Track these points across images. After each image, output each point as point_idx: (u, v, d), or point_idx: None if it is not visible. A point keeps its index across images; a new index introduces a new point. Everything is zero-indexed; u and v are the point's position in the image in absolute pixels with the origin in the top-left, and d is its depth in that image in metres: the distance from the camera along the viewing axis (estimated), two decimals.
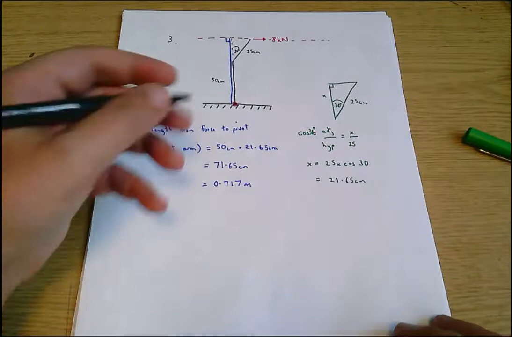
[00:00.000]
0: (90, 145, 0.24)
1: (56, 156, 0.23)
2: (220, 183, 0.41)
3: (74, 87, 0.27)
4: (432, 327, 0.35)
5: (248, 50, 0.49)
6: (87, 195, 0.26)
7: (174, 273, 0.37)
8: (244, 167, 0.42)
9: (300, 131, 0.44)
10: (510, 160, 0.44)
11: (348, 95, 0.47)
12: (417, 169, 0.43)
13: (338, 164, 0.43)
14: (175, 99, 0.29)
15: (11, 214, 0.22)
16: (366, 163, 0.43)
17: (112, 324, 0.35)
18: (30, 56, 0.49)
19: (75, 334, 0.35)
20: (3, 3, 0.51)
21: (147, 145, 0.32)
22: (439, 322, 0.36)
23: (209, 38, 0.49)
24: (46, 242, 0.26)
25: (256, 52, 0.49)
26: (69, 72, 0.26)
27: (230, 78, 0.47)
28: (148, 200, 0.33)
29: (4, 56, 0.48)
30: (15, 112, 0.24)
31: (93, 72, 0.28)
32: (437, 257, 0.39)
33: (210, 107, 0.45)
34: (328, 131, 0.45)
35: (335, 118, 0.45)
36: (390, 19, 0.52)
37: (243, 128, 0.44)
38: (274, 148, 0.43)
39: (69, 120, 0.25)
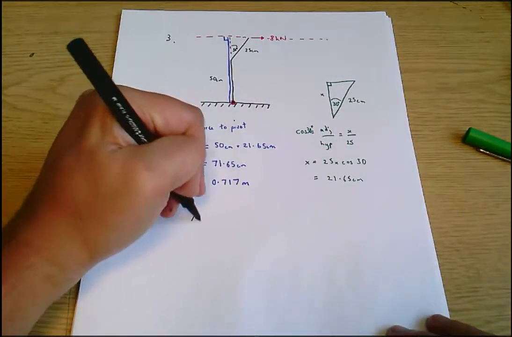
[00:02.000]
0: (167, 165, 0.30)
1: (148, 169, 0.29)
2: (218, 182, 0.41)
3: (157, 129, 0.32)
4: (427, 332, 0.35)
5: (246, 49, 0.49)
6: (165, 203, 0.32)
7: (173, 272, 0.37)
8: (242, 165, 0.42)
9: (298, 130, 0.44)
10: (510, 160, 0.44)
11: (346, 94, 0.47)
12: (416, 168, 0.43)
13: (336, 163, 0.43)
14: None
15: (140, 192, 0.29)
16: (364, 162, 0.43)
17: (112, 324, 0.35)
18: (30, 56, 0.49)
19: (75, 334, 0.35)
20: (3, 3, 0.52)
21: None
22: (434, 322, 0.35)
23: (207, 36, 0.49)
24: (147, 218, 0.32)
25: (255, 51, 0.49)
26: (170, 125, 0.32)
27: (228, 76, 0.47)
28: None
29: (4, 56, 0.49)
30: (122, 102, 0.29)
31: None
32: (436, 257, 0.39)
33: (208, 105, 0.45)
34: (326, 129, 0.44)
35: (333, 116, 0.45)
36: (390, 19, 0.52)
37: (241, 127, 0.44)
38: (272, 147, 0.43)
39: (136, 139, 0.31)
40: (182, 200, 0.37)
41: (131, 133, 0.30)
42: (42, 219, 0.29)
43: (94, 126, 0.29)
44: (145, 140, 0.31)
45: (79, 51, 0.27)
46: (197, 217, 0.39)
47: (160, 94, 0.32)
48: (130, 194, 0.29)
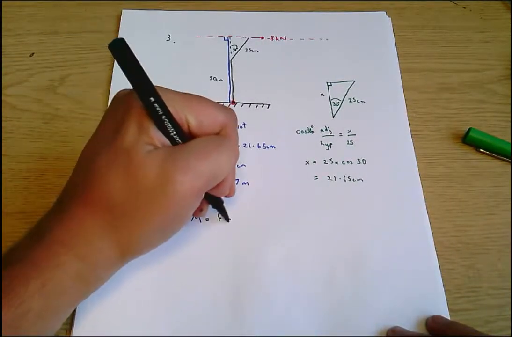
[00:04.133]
0: (203, 165, 0.30)
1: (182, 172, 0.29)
2: None
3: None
4: (426, 335, 0.35)
5: (246, 49, 0.49)
6: (199, 203, 0.32)
7: (173, 272, 0.37)
8: (242, 165, 0.42)
9: (298, 130, 0.44)
10: (510, 160, 0.44)
11: (346, 94, 0.47)
12: (417, 168, 0.43)
13: (336, 163, 0.43)
14: None
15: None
16: (364, 162, 0.43)
17: (112, 324, 0.35)
18: (30, 56, 0.49)
19: (75, 334, 0.34)
20: (3, 3, 0.52)
21: None
22: (433, 323, 0.35)
23: (207, 36, 0.49)
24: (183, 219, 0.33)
25: (255, 51, 0.49)
26: (204, 126, 0.32)
27: (228, 76, 0.47)
28: None
29: (4, 56, 0.49)
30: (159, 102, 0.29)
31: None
32: (436, 257, 0.39)
33: None
34: (326, 129, 0.44)
35: (333, 116, 0.45)
36: (390, 19, 0.52)
37: (241, 127, 0.44)
38: (272, 147, 0.43)
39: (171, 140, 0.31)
40: (212, 200, 0.37)
41: (167, 134, 0.30)
42: (75, 218, 0.30)
43: (130, 126, 0.29)
44: (180, 141, 0.31)
45: (120, 50, 0.28)
46: (226, 218, 0.39)
47: (194, 95, 0.32)
48: (166, 194, 0.29)
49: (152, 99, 0.29)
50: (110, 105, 0.33)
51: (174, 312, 0.36)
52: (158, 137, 0.30)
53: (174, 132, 0.30)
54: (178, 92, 0.31)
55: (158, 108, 0.29)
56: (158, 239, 0.33)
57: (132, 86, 0.29)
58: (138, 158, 0.29)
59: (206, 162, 0.30)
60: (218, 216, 0.39)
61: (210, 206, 0.38)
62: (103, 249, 0.30)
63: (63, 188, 0.32)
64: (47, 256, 0.28)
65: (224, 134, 0.33)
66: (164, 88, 0.31)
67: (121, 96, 0.32)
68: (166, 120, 0.29)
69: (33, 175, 0.42)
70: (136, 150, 0.29)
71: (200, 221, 0.39)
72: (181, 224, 0.33)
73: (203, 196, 0.32)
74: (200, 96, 0.33)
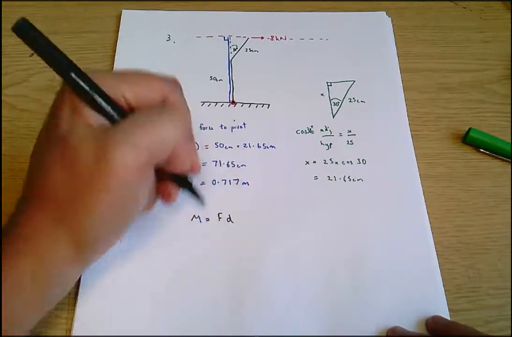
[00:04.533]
0: (141, 137, 0.28)
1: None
2: (218, 182, 0.41)
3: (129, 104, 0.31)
4: (426, 335, 0.35)
5: (246, 49, 0.49)
6: (149, 180, 0.31)
7: (174, 271, 0.37)
8: (242, 165, 0.42)
9: (298, 130, 0.44)
10: (510, 160, 0.44)
11: (346, 94, 0.47)
12: (417, 168, 0.43)
13: (336, 163, 0.43)
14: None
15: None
16: (364, 162, 0.43)
17: (112, 324, 0.35)
18: (30, 56, 0.49)
19: (75, 334, 0.34)
20: (3, 3, 0.52)
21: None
22: (433, 323, 0.35)
23: (207, 36, 0.49)
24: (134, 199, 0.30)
25: (255, 51, 0.49)
26: (141, 97, 0.30)
27: (228, 76, 0.47)
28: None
29: (4, 56, 0.49)
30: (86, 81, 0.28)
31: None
32: (436, 257, 0.39)
33: (209, 105, 0.45)
34: (326, 129, 0.44)
35: (333, 116, 0.45)
36: (390, 19, 0.52)
37: (241, 127, 0.44)
38: (272, 147, 0.43)
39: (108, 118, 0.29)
40: (178, 181, 0.34)
41: (101, 111, 0.28)
42: (26, 218, 0.29)
43: (63, 110, 0.28)
44: (118, 117, 0.29)
45: (27, 33, 0.26)
46: (201, 201, 0.36)
47: (132, 71, 0.31)
48: (104, 173, 0.27)
49: (72, 74, 0.27)
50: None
51: (174, 312, 0.36)
52: (94, 117, 0.28)
53: (109, 108, 0.28)
54: (114, 71, 0.30)
55: (82, 84, 0.27)
56: (113, 225, 0.30)
57: (49, 65, 0.27)
58: (73, 142, 0.27)
59: (144, 133, 0.28)
60: (218, 216, 0.39)
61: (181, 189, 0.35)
62: (57, 243, 0.29)
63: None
64: (4, 259, 0.27)
65: (168, 103, 0.31)
66: (99, 70, 0.30)
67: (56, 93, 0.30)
68: (96, 95, 0.28)
69: None
70: (71, 135, 0.28)
71: (200, 221, 0.39)
72: (134, 206, 0.31)
73: (150, 171, 0.30)
74: (140, 71, 0.31)
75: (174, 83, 0.32)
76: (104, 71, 0.30)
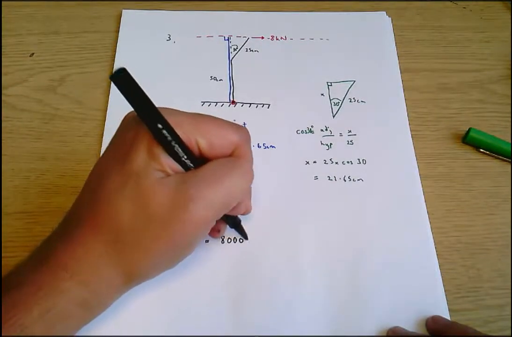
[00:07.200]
0: (215, 194, 0.29)
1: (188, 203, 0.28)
2: None
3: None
4: (426, 335, 0.35)
5: (246, 49, 0.49)
6: (210, 229, 0.31)
7: (174, 271, 0.37)
8: None
9: (298, 130, 0.44)
10: (510, 160, 0.44)
11: (346, 94, 0.47)
12: (417, 168, 0.43)
13: (336, 163, 0.43)
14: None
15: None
16: (364, 162, 0.43)
17: (112, 324, 0.35)
18: (30, 56, 0.49)
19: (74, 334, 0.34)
20: (3, 3, 0.52)
21: None
22: (433, 323, 0.35)
23: (207, 36, 0.49)
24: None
25: (255, 51, 0.49)
26: (215, 148, 0.31)
27: (228, 76, 0.47)
28: None
29: (4, 56, 0.49)
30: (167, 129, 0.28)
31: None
32: (436, 257, 0.39)
33: (209, 105, 0.45)
34: (326, 129, 0.44)
35: (333, 116, 0.45)
36: (390, 19, 0.52)
37: None
38: (272, 147, 0.43)
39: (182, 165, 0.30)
40: (229, 221, 0.37)
41: (178, 159, 0.29)
42: (80, 243, 0.29)
43: (140, 152, 0.28)
44: (192, 165, 0.30)
45: (122, 80, 0.27)
46: (245, 237, 0.39)
47: (202, 115, 0.31)
48: (176, 224, 0.28)
49: (159, 125, 0.28)
50: (119, 127, 0.31)
51: (174, 312, 0.36)
52: (169, 164, 0.29)
53: (185, 157, 0.29)
54: (185, 112, 0.30)
55: (166, 135, 0.28)
56: (164, 266, 0.32)
57: (138, 114, 0.28)
58: (148, 184, 0.28)
59: (218, 189, 0.29)
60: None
61: (227, 226, 0.37)
62: (108, 276, 0.29)
63: (70, 208, 0.31)
64: (50, 280, 0.28)
65: (237, 155, 0.32)
66: (170, 109, 0.30)
67: (131, 119, 0.31)
68: (176, 145, 0.28)
69: (33, 175, 0.42)
70: (146, 176, 0.28)
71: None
72: (188, 251, 0.32)
73: (215, 222, 0.31)
74: (209, 116, 0.31)
75: (245, 134, 0.33)
76: (178, 114, 0.30)
